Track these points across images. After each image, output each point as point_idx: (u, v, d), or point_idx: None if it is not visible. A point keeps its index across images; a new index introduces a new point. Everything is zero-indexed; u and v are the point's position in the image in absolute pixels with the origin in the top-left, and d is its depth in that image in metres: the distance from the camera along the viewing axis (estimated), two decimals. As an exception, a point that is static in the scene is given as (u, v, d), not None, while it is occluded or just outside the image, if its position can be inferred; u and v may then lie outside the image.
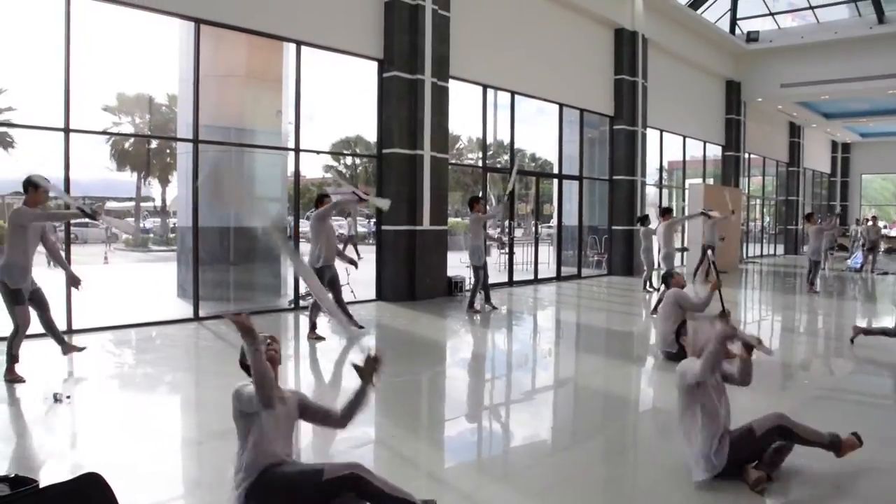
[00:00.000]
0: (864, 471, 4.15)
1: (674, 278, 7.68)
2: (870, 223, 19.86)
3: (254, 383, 3.13)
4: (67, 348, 6.65)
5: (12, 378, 6.02)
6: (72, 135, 8.54)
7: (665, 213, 12.83)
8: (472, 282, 11.05)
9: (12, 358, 6.09)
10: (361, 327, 9.00)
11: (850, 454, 4.07)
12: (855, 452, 4.08)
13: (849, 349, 8.12)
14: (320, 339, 8.35)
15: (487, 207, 11.23)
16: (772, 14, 22.54)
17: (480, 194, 13.76)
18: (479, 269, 10.86)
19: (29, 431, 4.85)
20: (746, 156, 24.70)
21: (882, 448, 4.48)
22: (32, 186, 6.17)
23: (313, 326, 8.40)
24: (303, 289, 11.05)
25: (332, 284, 8.53)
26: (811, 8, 21.83)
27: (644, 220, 13.73)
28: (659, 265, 12.48)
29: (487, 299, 11.23)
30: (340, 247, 8.92)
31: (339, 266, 8.86)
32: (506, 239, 14.90)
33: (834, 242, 23.04)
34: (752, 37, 22.55)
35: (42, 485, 2.89)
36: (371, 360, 3.39)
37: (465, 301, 11.41)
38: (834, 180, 34.55)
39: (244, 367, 3.29)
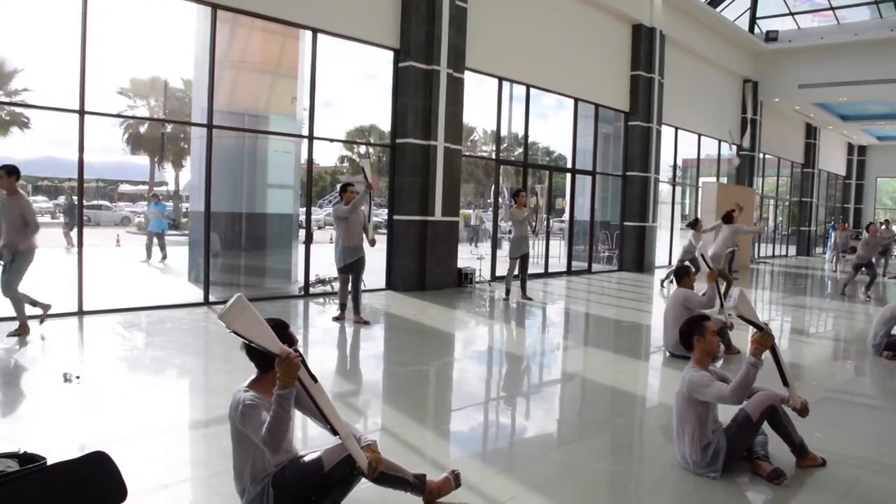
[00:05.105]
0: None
1: (688, 277, 7.60)
2: (883, 227, 19.65)
3: (267, 428, 2.89)
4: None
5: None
6: (87, 117, 8.57)
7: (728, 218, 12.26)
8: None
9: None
10: (367, 322, 8.75)
11: (811, 468, 4.13)
12: (816, 468, 4.14)
13: (860, 353, 8.06)
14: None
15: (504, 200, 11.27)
16: (791, 14, 22.35)
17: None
18: (514, 260, 11.25)
19: (38, 410, 4.88)
20: (761, 156, 24.56)
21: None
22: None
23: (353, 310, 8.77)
24: (312, 276, 11.11)
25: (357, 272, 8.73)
26: (832, 8, 21.63)
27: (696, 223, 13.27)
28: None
29: (507, 291, 11.38)
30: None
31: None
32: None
33: (846, 245, 22.86)
34: (771, 36, 22.37)
35: (49, 462, 2.91)
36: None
37: (474, 292, 11.56)
38: (849, 182, 34.32)
39: (249, 350, 3.06)
